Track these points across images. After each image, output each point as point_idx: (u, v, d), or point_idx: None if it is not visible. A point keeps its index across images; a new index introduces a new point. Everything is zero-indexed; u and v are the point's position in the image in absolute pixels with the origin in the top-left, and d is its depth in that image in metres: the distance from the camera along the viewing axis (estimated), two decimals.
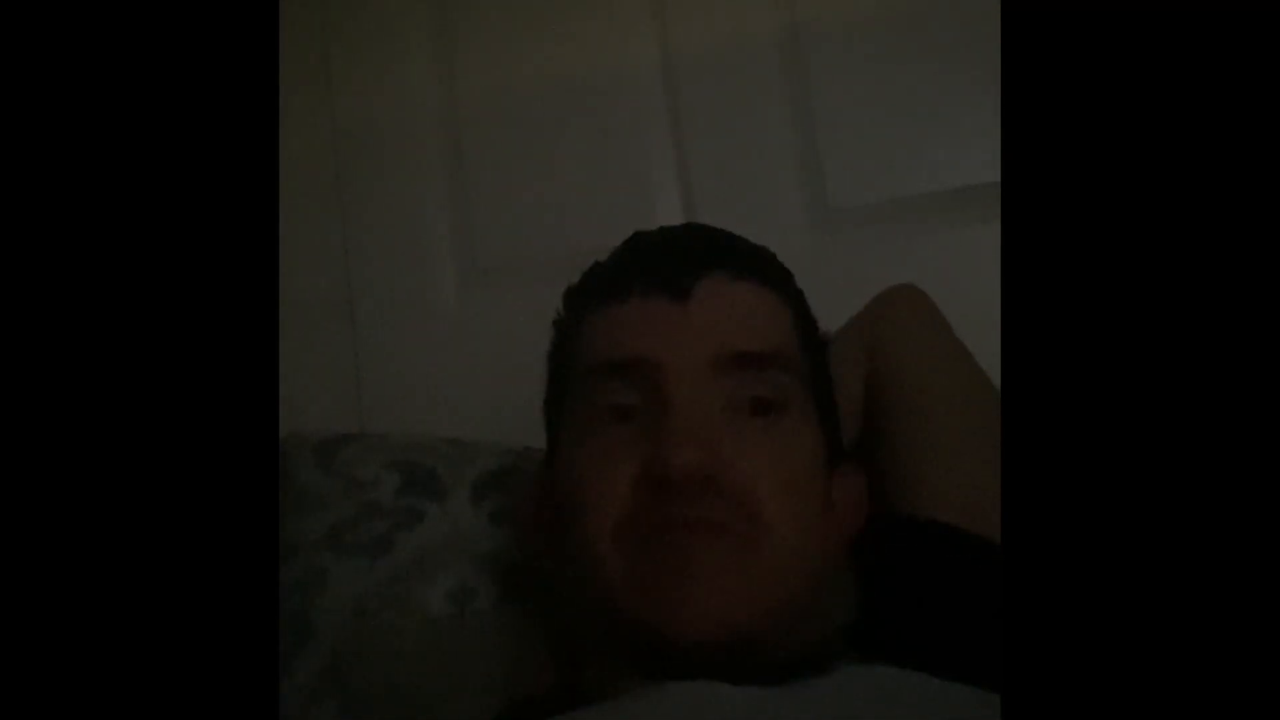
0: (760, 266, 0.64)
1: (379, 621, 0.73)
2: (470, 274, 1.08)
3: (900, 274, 0.77)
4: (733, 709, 0.50)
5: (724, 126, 1.03)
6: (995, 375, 0.69)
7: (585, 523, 0.58)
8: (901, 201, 0.98)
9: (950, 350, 0.73)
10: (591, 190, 1.05)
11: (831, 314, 0.72)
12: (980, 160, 0.94)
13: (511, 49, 1.09)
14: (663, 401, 0.58)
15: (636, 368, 0.59)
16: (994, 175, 0.89)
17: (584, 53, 1.07)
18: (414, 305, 1.07)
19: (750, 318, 0.61)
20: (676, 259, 0.62)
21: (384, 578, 0.74)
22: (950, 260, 0.92)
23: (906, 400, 0.70)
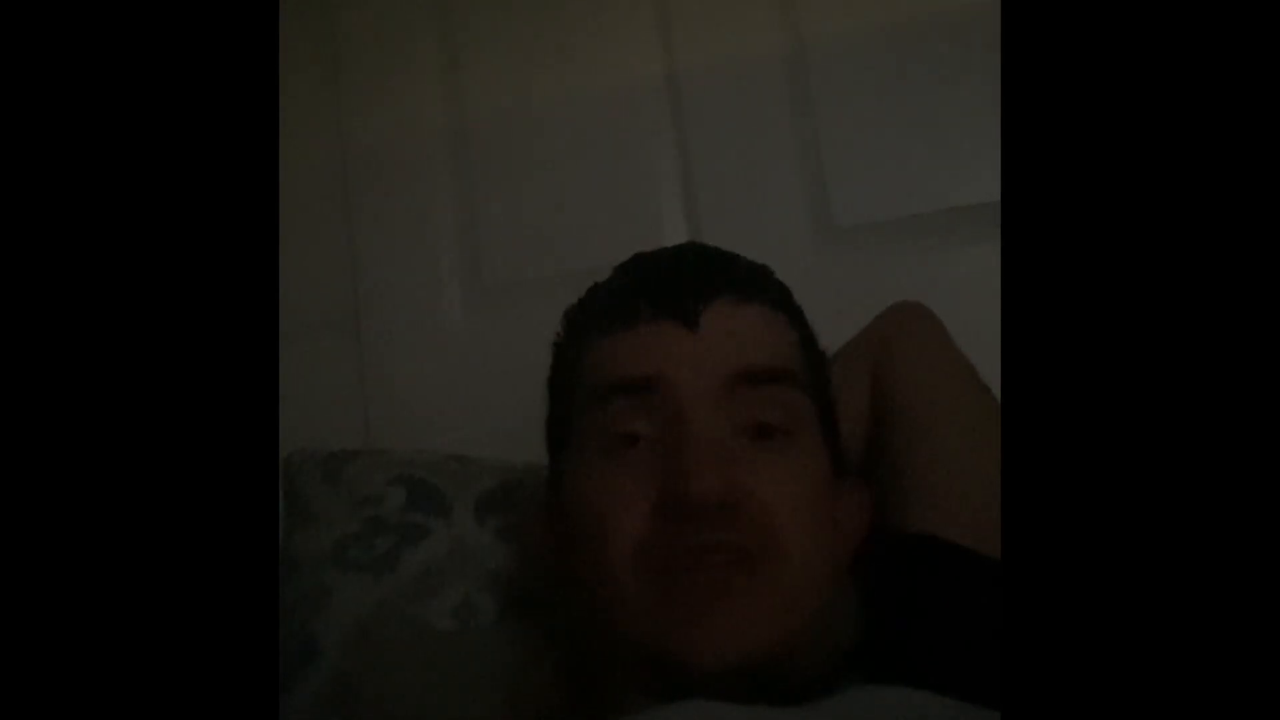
0: (763, 288, 0.65)
1: (383, 637, 0.73)
2: (476, 291, 1.08)
3: (905, 292, 0.78)
4: None
5: (729, 145, 1.03)
6: (1000, 392, 0.69)
7: (603, 550, 0.57)
8: (906, 220, 0.98)
9: (956, 368, 0.73)
10: (597, 208, 1.05)
11: (836, 331, 0.72)
12: (985, 179, 0.95)
13: (518, 68, 1.10)
14: (679, 425, 0.57)
15: (650, 389, 0.59)
16: (999, 194, 0.89)
17: (590, 72, 1.08)
18: (420, 322, 1.08)
19: (759, 338, 0.62)
20: (683, 285, 0.62)
21: (388, 594, 0.74)
22: (955, 278, 0.92)
23: (912, 417, 0.70)
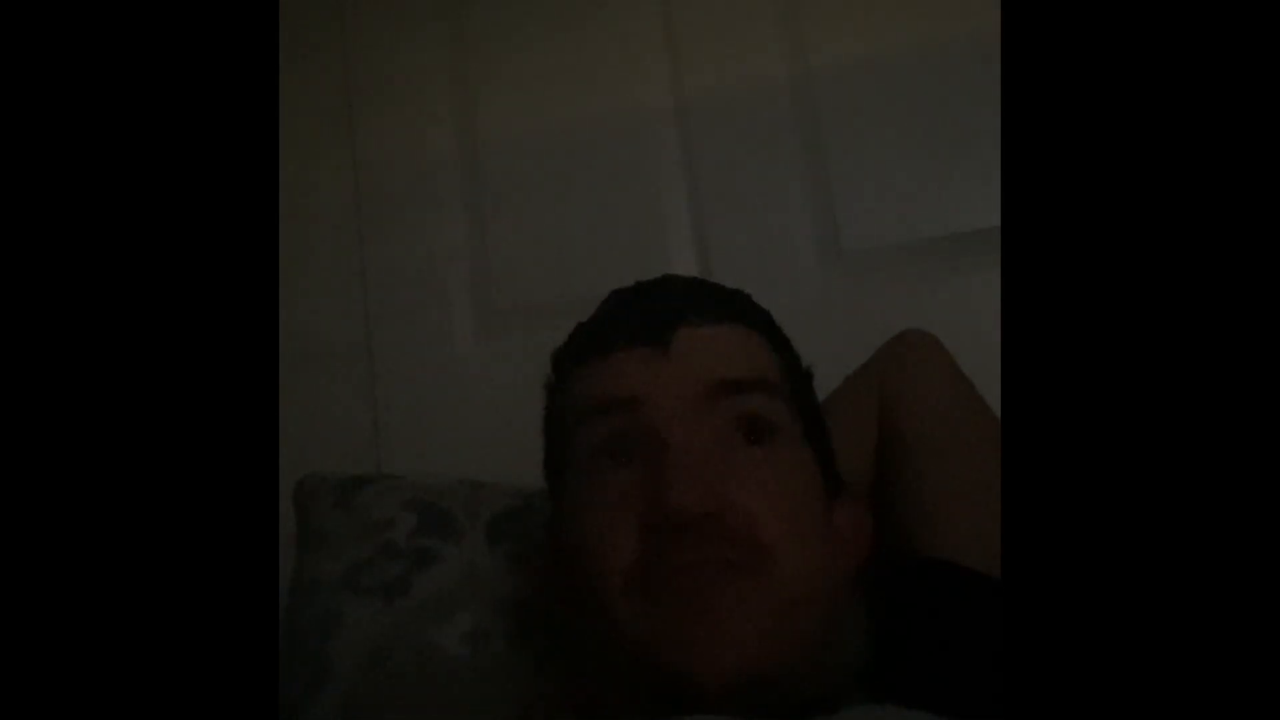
0: (736, 309, 0.65)
1: (395, 663, 0.73)
2: (487, 317, 1.09)
3: (913, 316, 0.78)
4: None
5: (738, 170, 1.04)
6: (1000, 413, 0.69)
7: (594, 574, 0.58)
8: (914, 244, 0.98)
9: (963, 394, 0.73)
10: (607, 234, 1.06)
11: (844, 354, 0.72)
12: (993, 203, 0.95)
13: (529, 95, 1.11)
14: (658, 442, 0.58)
15: (626, 409, 0.60)
16: None
17: (599, 99, 1.09)
18: (432, 348, 1.08)
19: (733, 353, 0.62)
20: (654, 312, 0.64)
21: (400, 619, 0.75)
22: (963, 303, 0.92)
23: (920, 443, 0.71)
